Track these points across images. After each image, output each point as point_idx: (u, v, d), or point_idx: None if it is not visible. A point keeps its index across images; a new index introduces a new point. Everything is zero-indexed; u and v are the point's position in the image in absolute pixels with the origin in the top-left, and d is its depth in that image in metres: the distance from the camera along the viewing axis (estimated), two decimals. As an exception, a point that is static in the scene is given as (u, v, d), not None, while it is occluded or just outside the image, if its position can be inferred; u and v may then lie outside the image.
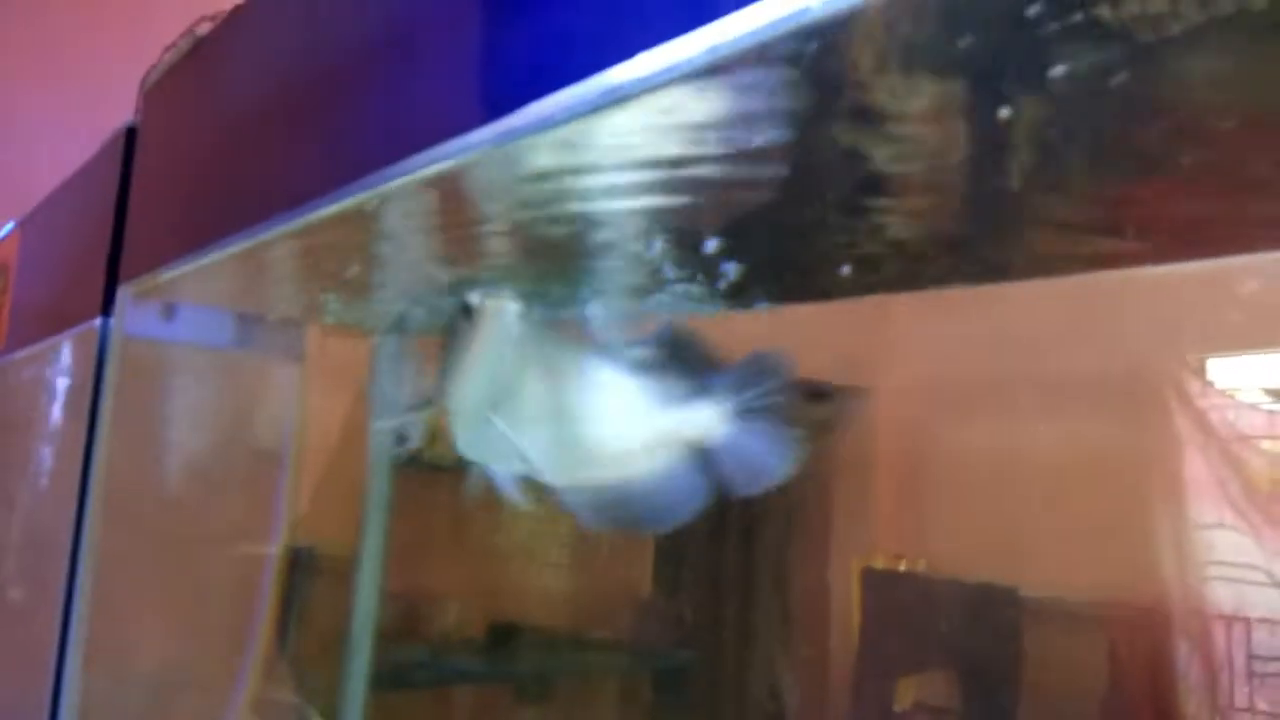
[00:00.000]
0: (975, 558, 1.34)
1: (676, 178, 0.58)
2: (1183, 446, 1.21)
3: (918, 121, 0.49)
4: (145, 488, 1.08)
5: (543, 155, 0.54)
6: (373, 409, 1.23)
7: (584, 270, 0.82)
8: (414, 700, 1.40)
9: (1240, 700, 1.15)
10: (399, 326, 1.04)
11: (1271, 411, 1.21)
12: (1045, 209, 0.66)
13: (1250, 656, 1.14)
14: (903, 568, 1.39)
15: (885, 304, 1.06)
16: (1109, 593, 1.21)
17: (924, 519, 1.41)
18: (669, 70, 0.42)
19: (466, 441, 0.68)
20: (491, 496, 0.68)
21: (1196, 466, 1.21)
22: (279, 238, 0.73)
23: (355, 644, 1.25)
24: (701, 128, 0.50)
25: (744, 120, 0.48)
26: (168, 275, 0.92)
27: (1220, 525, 1.17)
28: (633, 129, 0.50)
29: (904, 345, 1.27)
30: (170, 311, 1.06)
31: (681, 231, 0.70)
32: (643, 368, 0.66)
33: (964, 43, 0.39)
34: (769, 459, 0.65)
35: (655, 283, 0.84)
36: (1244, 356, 1.26)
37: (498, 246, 0.77)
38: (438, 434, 1.34)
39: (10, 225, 1.50)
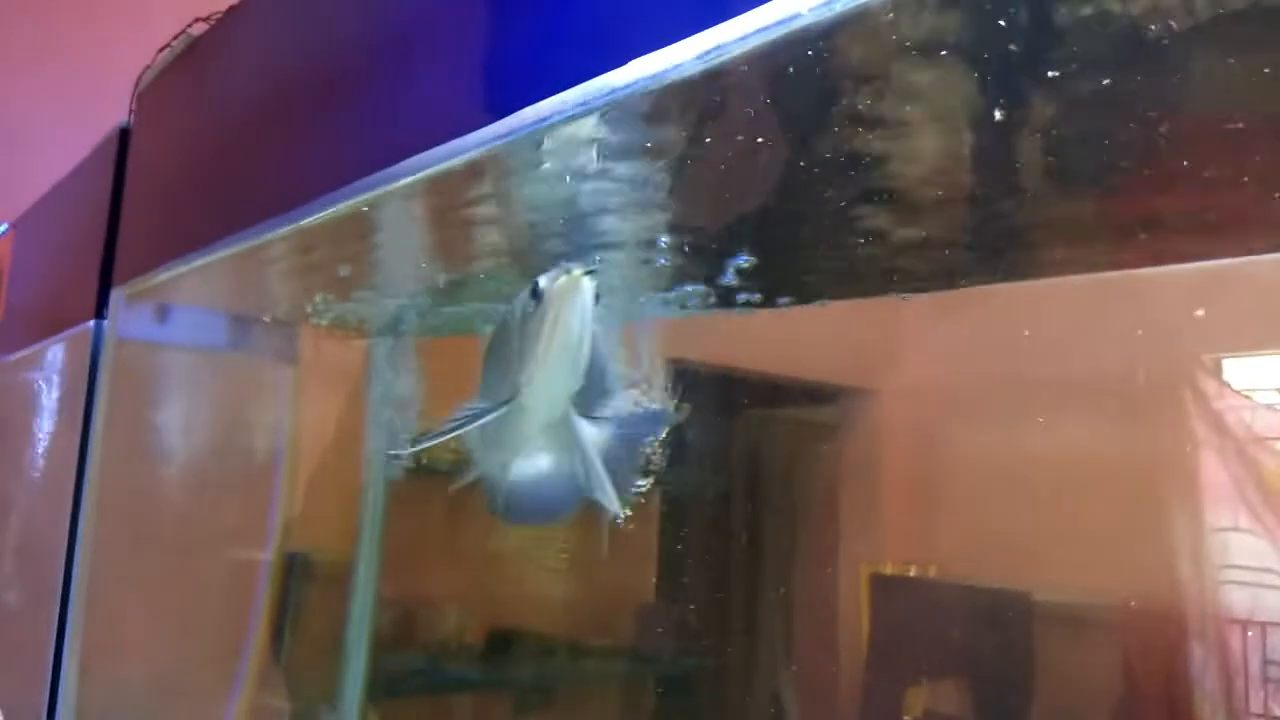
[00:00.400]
0: (987, 562, 1.35)
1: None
2: (1198, 448, 1.21)
3: (922, 122, 0.50)
4: (139, 490, 1.11)
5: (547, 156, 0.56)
6: (370, 411, 1.25)
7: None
8: (411, 708, 1.42)
9: (1255, 705, 1.16)
10: (394, 328, 1.06)
11: (1288, 412, 1.22)
12: (1056, 208, 0.68)
13: (1266, 661, 1.14)
14: (912, 573, 1.40)
15: (894, 304, 1.07)
16: (1123, 597, 1.22)
17: (934, 523, 1.42)
18: (659, 76, 0.44)
19: (537, 434, 0.67)
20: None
21: (1212, 469, 1.21)
22: (273, 239, 0.75)
23: (351, 650, 1.27)
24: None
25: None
26: (161, 277, 0.94)
27: (1236, 528, 1.17)
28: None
29: (913, 346, 1.28)
30: (164, 313, 1.08)
31: (686, 231, 0.71)
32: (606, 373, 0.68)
33: (969, 40, 0.40)
34: (567, 497, 0.68)
35: (659, 283, 0.86)
36: (1260, 357, 1.26)
37: (492, 246, 0.79)
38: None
39: (3, 227, 1.53)
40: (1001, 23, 0.39)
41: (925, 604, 1.39)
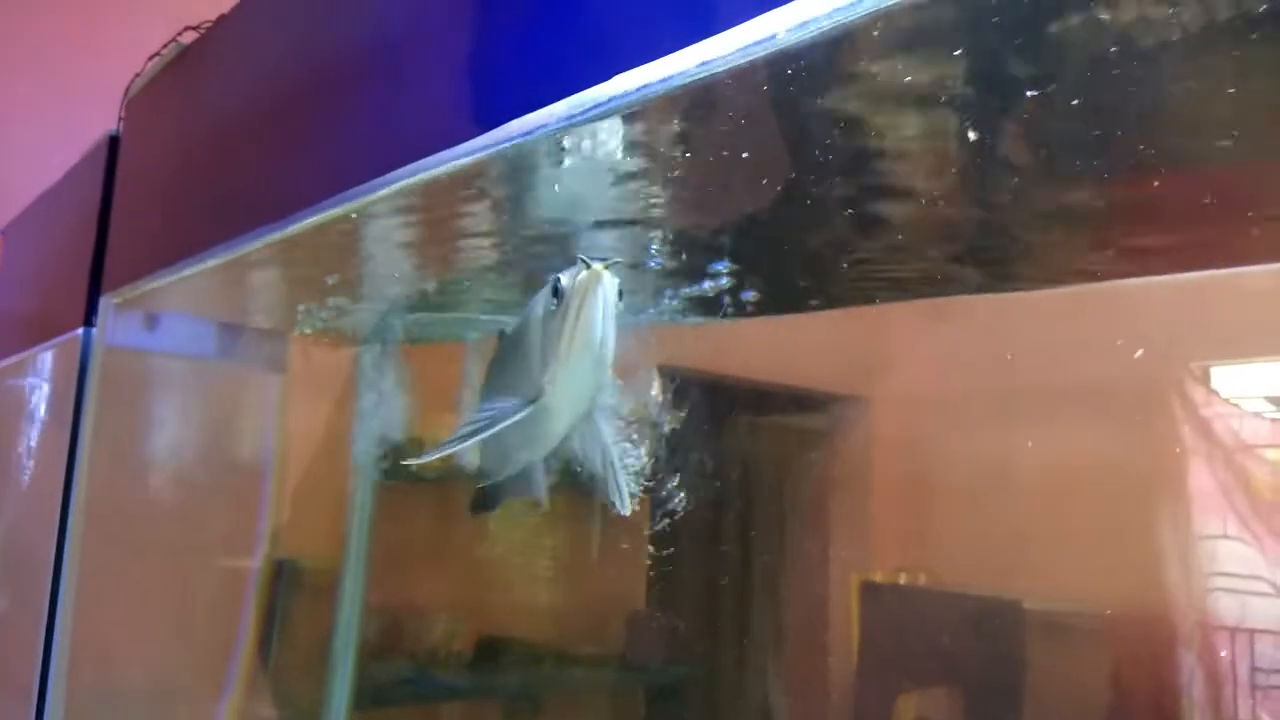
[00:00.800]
0: (977, 570, 1.36)
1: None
2: (1187, 456, 1.23)
3: (916, 134, 0.52)
4: (128, 498, 1.12)
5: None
6: (357, 419, 1.26)
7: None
8: (399, 717, 1.43)
9: (1243, 712, 1.17)
10: (381, 336, 1.08)
11: (1276, 420, 1.24)
12: (1044, 218, 0.70)
13: (1254, 668, 1.16)
14: (902, 581, 1.41)
15: (885, 313, 1.09)
16: (1112, 605, 1.23)
17: (924, 531, 1.43)
18: (647, 88, 0.46)
19: (562, 434, 0.66)
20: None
21: (1200, 476, 1.23)
22: (262, 248, 0.77)
23: (338, 659, 1.29)
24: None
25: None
26: (150, 285, 0.96)
27: (1224, 536, 1.19)
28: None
29: (904, 354, 1.30)
30: (152, 321, 1.10)
31: (677, 239, 0.73)
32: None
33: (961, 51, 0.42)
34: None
35: (652, 291, 0.88)
36: (1248, 365, 1.28)
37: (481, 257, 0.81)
38: (424, 445, 1.38)
39: (-9, 233, 1.55)
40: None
41: (915, 612, 1.40)
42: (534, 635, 1.47)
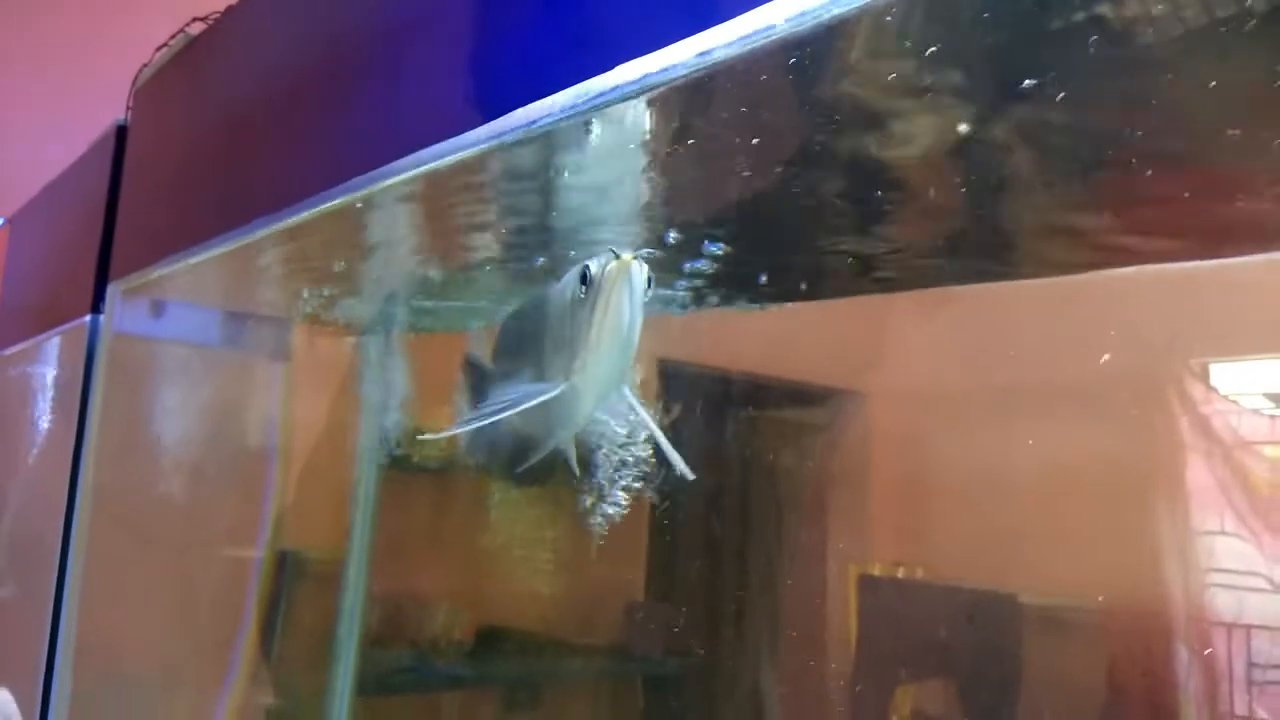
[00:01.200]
0: (974, 564, 1.37)
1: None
2: (1184, 452, 1.24)
3: (918, 125, 0.53)
4: (134, 485, 1.14)
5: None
6: (361, 407, 1.28)
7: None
8: (401, 706, 1.46)
9: (1240, 708, 1.18)
10: (384, 324, 1.10)
11: (1274, 417, 1.25)
12: (1044, 209, 0.71)
13: (1250, 664, 1.17)
14: (900, 574, 1.43)
15: (882, 306, 1.11)
16: (1109, 600, 1.25)
17: (922, 524, 1.44)
18: (642, 80, 0.47)
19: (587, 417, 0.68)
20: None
21: (1198, 472, 1.24)
22: (267, 237, 0.79)
23: (341, 647, 1.31)
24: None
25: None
26: (158, 273, 0.98)
27: (1222, 532, 1.20)
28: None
29: (901, 347, 1.31)
30: (159, 309, 1.12)
31: (675, 229, 0.74)
32: None
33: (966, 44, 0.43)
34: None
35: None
36: (1247, 361, 1.29)
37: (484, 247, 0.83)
38: (424, 432, 1.40)
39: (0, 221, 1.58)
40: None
41: (913, 605, 1.42)
42: (534, 625, 1.49)
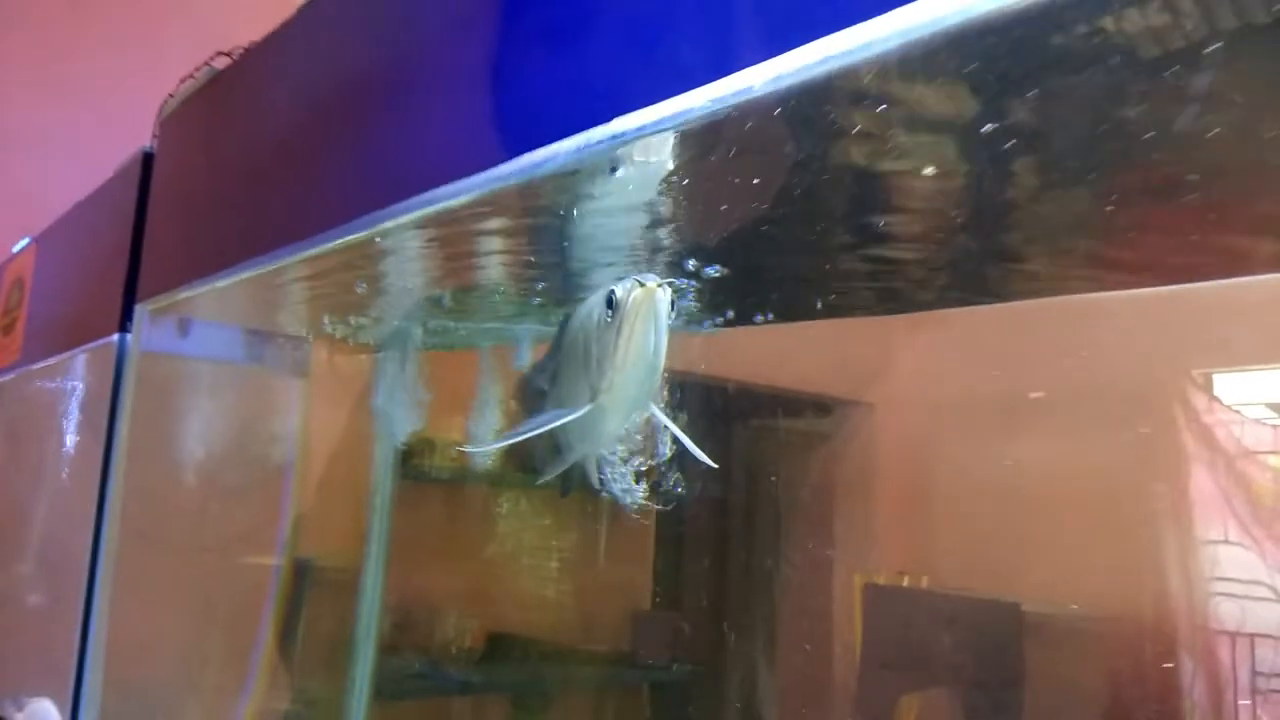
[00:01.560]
0: (979, 573, 1.39)
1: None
2: (1188, 462, 1.26)
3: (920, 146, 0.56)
4: (159, 497, 1.19)
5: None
6: (377, 420, 1.33)
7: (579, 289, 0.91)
8: (412, 711, 1.50)
9: (1244, 717, 1.20)
10: (399, 342, 1.15)
11: (1277, 427, 1.26)
12: (1049, 231, 0.73)
13: (1254, 673, 1.18)
14: (905, 583, 1.45)
15: (890, 321, 1.14)
16: (1113, 608, 1.26)
17: (927, 534, 1.46)
18: (667, 121, 0.48)
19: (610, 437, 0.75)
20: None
21: (1202, 482, 1.26)
22: (290, 264, 0.84)
23: (358, 654, 1.35)
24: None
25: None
26: (183, 295, 1.03)
27: (1225, 541, 1.22)
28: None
29: (908, 361, 1.34)
30: (185, 327, 1.17)
31: (682, 249, 0.77)
32: None
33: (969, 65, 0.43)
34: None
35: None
36: (1250, 372, 1.31)
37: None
38: (437, 447, 1.45)
39: (26, 240, 1.63)
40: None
41: (918, 614, 1.44)
42: (543, 632, 1.53)
